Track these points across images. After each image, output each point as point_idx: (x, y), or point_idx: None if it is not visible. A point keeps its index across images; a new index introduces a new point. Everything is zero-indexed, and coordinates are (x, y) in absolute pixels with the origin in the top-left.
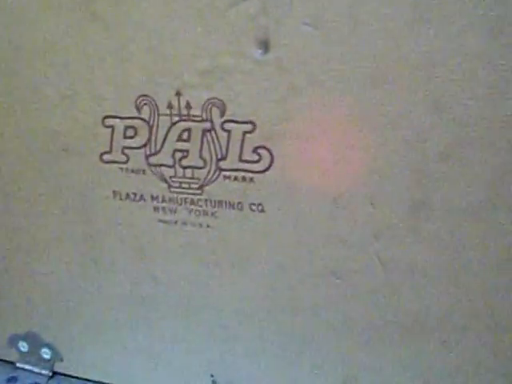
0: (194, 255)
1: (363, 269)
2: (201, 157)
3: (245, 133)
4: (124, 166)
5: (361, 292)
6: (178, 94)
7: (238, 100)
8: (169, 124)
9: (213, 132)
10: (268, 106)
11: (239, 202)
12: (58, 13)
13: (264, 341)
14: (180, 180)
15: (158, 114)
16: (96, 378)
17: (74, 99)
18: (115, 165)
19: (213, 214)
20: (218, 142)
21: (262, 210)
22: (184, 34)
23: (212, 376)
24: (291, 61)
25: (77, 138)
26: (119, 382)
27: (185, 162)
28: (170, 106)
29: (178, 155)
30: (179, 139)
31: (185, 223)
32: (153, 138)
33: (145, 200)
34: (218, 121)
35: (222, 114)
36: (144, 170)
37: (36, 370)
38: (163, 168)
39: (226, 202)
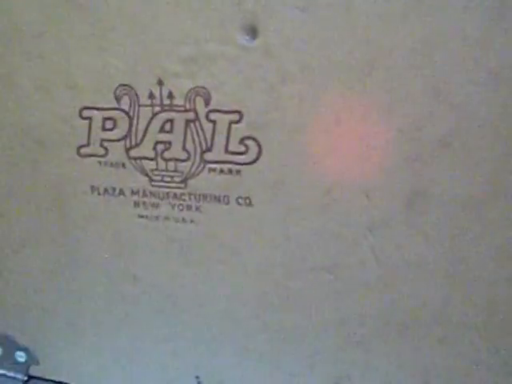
0: (178, 252)
1: (357, 264)
2: (184, 149)
3: (231, 123)
4: (103, 159)
5: (354, 288)
6: (160, 83)
7: (223, 89)
8: (150, 115)
9: (197, 122)
10: (256, 95)
11: (225, 196)
12: None
13: (253, 340)
14: (162, 173)
15: (139, 105)
16: (74, 382)
17: (49, 90)
18: (93, 158)
19: (197, 208)
20: (203, 132)
21: (250, 204)
22: (166, 19)
23: (197, 377)
24: (280, 47)
25: (52, 130)
26: None
27: (167, 155)
28: (151, 96)
29: (160, 147)
30: (161, 130)
31: (167, 218)
32: (133, 129)
33: (124, 195)
34: (202, 111)
35: (207, 103)
36: (124, 164)
37: (10, 374)
38: (144, 161)
39: (211, 196)
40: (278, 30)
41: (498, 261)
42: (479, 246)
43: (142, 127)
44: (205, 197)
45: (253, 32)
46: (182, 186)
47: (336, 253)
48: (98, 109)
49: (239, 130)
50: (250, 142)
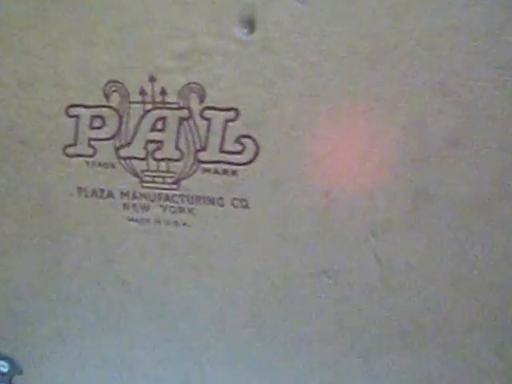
0: (169, 256)
1: (358, 268)
2: (177, 148)
3: (227, 121)
4: (90, 159)
5: (355, 293)
6: (152, 78)
7: (218, 85)
8: (141, 112)
9: (191, 120)
10: (253, 91)
11: (220, 198)
12: None
13: (247, 349)
14: (153, 174)
15: (129, 102)
16: None
17: (34, 86)
18: (80, 158)
19: (190, 210)
20: (197, 131)
21: (246, 206)
22: (158, 11)
23: None
24: (279, 41)
25: (37, 129)
26: None
27: (159, 154)
28: (142, 93)
29: (152, 147)
30: (153, 129)
31: (158, 221)
32: (123, 128)
33: (113, 197)
34: (196, 108)
35: (201, 100)
36: (113, 164)
37: None
38: (134, 161)
39: (205, 198)
40: (276, 23)
41: (506, 264)
42: (486, 248)
43: (132, 125)
44: (198, 199)
45: (250, 25)
46: (175, 187)
47: (336, 257)
48: (85, 106)
49: (235, 129)
50: (246, 141)
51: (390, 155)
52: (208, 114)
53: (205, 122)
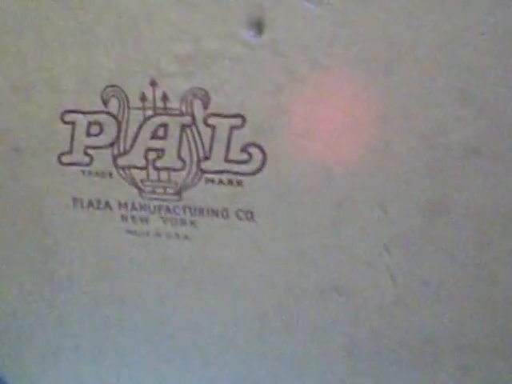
0: (169, 271)
1: (371, 284)
2: (179, 157)
3: (232, 128)
4: (87, 168)
5: (367, 311)
6: (153, 83)
7: (224, 90)
8: (141, 119)
9: (194, 128)
10: (260, 97)
11: (224, 209)
12: None
13: (252, 369)
14: (154, 184)
15: (129, 108)
16: None
17: (28, 91)
18: (76, 167)
19: (192, 223)
20: (200, 139)
21: (252, 218)
22: (160, 12)
23: None
24: (289, 44)
25: (31, 135)
26: None
27: (160, 163)
28: (142, 98)
29: (152, 155)
30: (153, 136)
31: (158, 234)
32: (122, 135)
33: (111, 208)
34: (200, 115)
35: (206, 106)
36: (111, 173)
37: None
38: (134, 170)
39: (208, 210)
40: (286, 24)
41: None
42: (509, 264)
43: (131, 133)
44: (201, 210)
45: (258, 27)
46: (176, 198)
47: (347, 272)
48: (82, 112)
49: (241, 137)
50: (253, 150)
51: (406, 165)
52: (212, 120)
53: (209, 130)
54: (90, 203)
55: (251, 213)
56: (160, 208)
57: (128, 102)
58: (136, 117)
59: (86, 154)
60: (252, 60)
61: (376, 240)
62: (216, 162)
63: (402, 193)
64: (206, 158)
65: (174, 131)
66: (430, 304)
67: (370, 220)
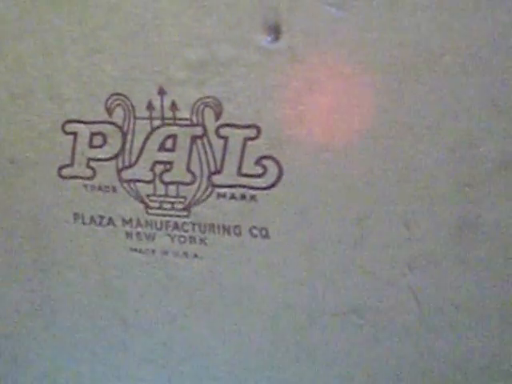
0: (176, 292)
1: (393, 306)
2: (189, 170)
3: (246, 139)
4: (89, 182)
5: (390, 335)
6: (162, 91)
7: (238, 99)
8: (148, 129)
9: (205, 139)
10: (277, 107)
11: (237, 226)
12: None
13: None
14: (161, 199)
15: (135, 117)
16: None
17: (27, 99)
18: (78, 181)
19: (202, 240)
20: (212, 151)
21: (266, 236)
22: (170, 16)
23: None
24: (308, 50)
25: (29, 147)
26: None
27: (168, 177)
28: (150, 107)
29: (159, 168)
30: (161, 148)
31: (165, 252)
32: (127, 147)
33: (114, 224)
34: (211, 125)
35: (218, 116)
36: (115, 188)
37: None
38: (139, 184)
39: (219, 226)
40: (305, 29)
41: None
42: None
43: (137, 144)
44: (212, 227)
45: (275, 32)
46: (185, 214)
47: (368, 293)
48: (84, 122)
49: (256, 149)
50: (268, 163)
51: (433, 179)
52: (225, 131)
53: (221, 141)
54: (92, 219)
55: (266, 230)
56: (167, 224)
57: (134, 112)
58: (142, 127)
59: (88, 166)
60: (268, 67)
61: (399, 258)
62: (228, 176)
63: (428, 208)
64: (218, 172)
65: (184, 143)
66: (458, 328)
67: (392, 237)
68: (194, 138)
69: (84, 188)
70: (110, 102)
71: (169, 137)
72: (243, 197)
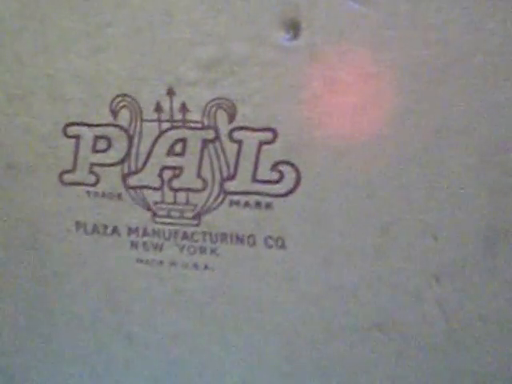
0: (186, 306)
1: (418, 320)
2: (199, 176)
3: (262, 143)
4: (92, 188)
5: (414, 351)
6: (171, 92)
7: (253, 100)
8: (156, 133)
9: (217, 143)
10: (295, 108)
11: (251, 236)
12: None
13: None
14: (169, 207)
15: (142, 120)
16: None
17: (26, 101)
18: (80, 187)
19: (213, 251)
20: (224, 156)
21: (283, 246)
22: (180, 12)
23: None
24: (329, 48)
25: (28, 151)
26: None
27: (177, 184)
28: (158, 109)
29: (168, 174)
30: (170, 153)
31: (174, 264)
32: (133, 151)
33: (119, 234)
34: (224, 128)
35: (231, 118)
36: (120, 195)
37: None
38: (146, 191)
39: (232, 236)
40: (326, 26)
41: None
42: None
43: (144, 148)
44: (224, 236)
45: (294, 29)
46: (195, 222)
47: (391, 307)
48: (88, 125)
49: (272, 153)
50: (285, 168)
51: (462, 185)
52: (239, 135)
53: (234, 145)
54: (96, 228)
55: (282, 240)
56: (176, 234)
57: (141, 114)
58: (150, 130)
59: (91, 172)
60: (286, 66)
61: (425, 270)
62: (242, 182)
63: (457, 217)
64: (231, 178)
65: (194, 147)
66: (487, 342)
67: (418, 247)
68: (205, 142)
69: (87, 195)
70: (115, 103)
71: (178, 141)
72: (258, 204)
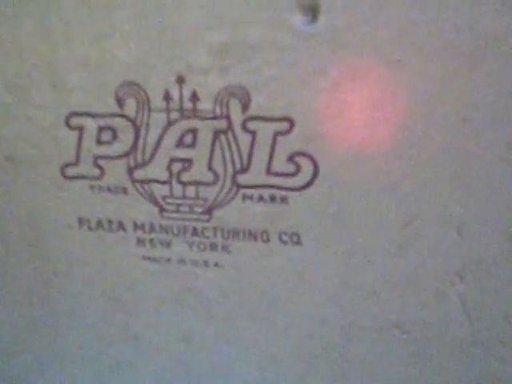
0: (195, 305)
1: (441, 320)
2: (210, 168)
3: (277, 134)
4: (96, 182)
5: (436, 352)
6: (180, 80)
7: (268, 88)
8: (165, 123)
9: (229, 133)
10: (312, 97)
11: (264, 232)
12: None
13: None
14: (178, 201)
15: (149, 109)
16: None
17: (26, 89)
18: (84, 181)
19: (224, 247)
20: (237, 147)
21: (298, 242)
22: None
23: None
24: (351, 32)
25: (28, 143)
26: None
27: (186, 177)
28: (167, 98)
29: (177, 167)
30: (179, 144)
31: (182, 261)
32: (140, 143)
33: (125, 230)
34: (237, 118)
35: (245, 108)
36: (125, 189)
37: None
38: (154, 185)
39: (244, 232)
40: (347, 9)
41: None
42: None
43: (152, 140)
44: (236, 232)
45: (313, 12)
46: (206, 217)
47: (412, 306)
48: (92, 115)
49: (288, 144)
50: (301, 160)
51: (490, 177)
52: (253, 125)
53: (248, 136)
54: (100, 224)
55: (297, 236)
56: (185, 230)
57: (149, 103)
58: (158, 120)
59: (95, 165)
60: (304, 52)
61: (448, 267)
62: (256, 175)
63: (483, 210)
64: (244, 170)
65: (205, 138)
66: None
67: (442, 243)
68: (216, 133)
69: (90, 189)
70: (121, 92)
71: (188, 131)
72: (272, 198)
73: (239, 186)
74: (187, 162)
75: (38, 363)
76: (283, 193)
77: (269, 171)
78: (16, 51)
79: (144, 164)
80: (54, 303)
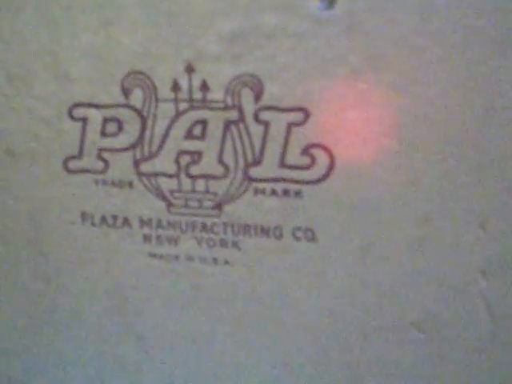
0: (204, 304)
1: (462, 319)
2: (221, 161)
3: (291, 125)
4: (101, 176)
5: (457, 351)
6: (189, 69)
7: (282, 77)
8: (173, 114)
9: (241, 124)
10: (329, 86)
11: (277, 227)
12: None
13: None
14: (187, 196)
15: (157, 100)
16: None
17: (27, 80)
18: (87, 175)
19: (235, 244)
20: (249, 139)
21: (313, 239)
22: None
23: None
24: (370, 18)
25: (29, 135)
26: None
27: (195, 170)
28: (175, 88)
29: (185, 159)
30: (188, 136)
31: (191, 258)
32: (147, 134)
33: (130, 226)
34: (250, 108)
35: (258, 97)
36: (131, 183)
37: None
38: (161, 179)
39: (256, 228)
40: None
41: None
42: None
43: (159, 131)
44: (247, 228)
45: None
46: (215, 213)
47: (432, 304)
48: (96, 106)
49: (303, 135)
50: (317, 152)
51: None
52: (265, 115)
53: (261, 127)
54: (104, 220)
55: (312, 232)
56: (194, 226)
57: (156, 93)
58: (166, 111)
59: (99, 158)
60: (320, 39)
61: (471, 263)
62: (268, 168)
63: (507, 205)
64: (256, 163)
65: (216, 129)
66: None
67: (464, 239)
68: (227, 124)
69: (94, 183)
70: (127, 81)
71: (198, 122)
72: (286, 192)
73: (251, 180)
74: (196, 155)
75: (39, 363)
76: (297, 187)
77: (282, 164)
78: (17, 40)
79: (151, 157)
80: (55, 302)
